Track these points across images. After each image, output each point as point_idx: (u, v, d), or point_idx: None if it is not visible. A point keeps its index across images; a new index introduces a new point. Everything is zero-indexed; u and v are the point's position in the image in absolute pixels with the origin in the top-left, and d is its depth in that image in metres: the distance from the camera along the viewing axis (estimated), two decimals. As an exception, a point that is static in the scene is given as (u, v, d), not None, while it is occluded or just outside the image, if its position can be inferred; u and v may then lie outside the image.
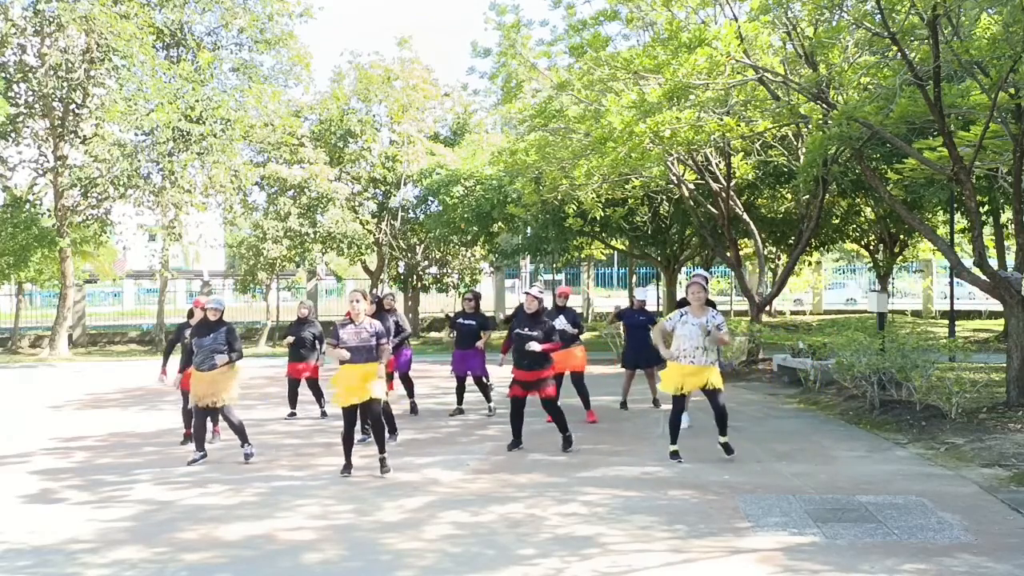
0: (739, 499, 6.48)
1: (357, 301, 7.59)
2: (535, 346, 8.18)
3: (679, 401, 7.89)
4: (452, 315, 11.17)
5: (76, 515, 6.46)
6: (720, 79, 10.83)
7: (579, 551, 5.38)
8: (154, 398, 13.49)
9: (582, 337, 10.35)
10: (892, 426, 9.23)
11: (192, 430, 8.49)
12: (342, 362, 7.45)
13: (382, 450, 7.66)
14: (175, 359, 9.52)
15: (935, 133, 10.25)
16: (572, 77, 13.88)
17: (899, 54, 9.30)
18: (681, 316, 7.81)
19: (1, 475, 7.97)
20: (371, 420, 7.65)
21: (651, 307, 22.34)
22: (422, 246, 25.60)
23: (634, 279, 28.71)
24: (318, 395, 11.04)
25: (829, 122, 10.26)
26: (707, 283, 8.35)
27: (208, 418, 8.73)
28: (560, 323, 9.82)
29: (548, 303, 10.13)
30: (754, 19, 10.63)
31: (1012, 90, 8.69)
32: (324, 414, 10.94)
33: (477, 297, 11.14)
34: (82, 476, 7.83)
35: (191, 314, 9.35)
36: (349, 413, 7.59)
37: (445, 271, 26.58)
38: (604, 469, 7.68)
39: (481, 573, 5.06)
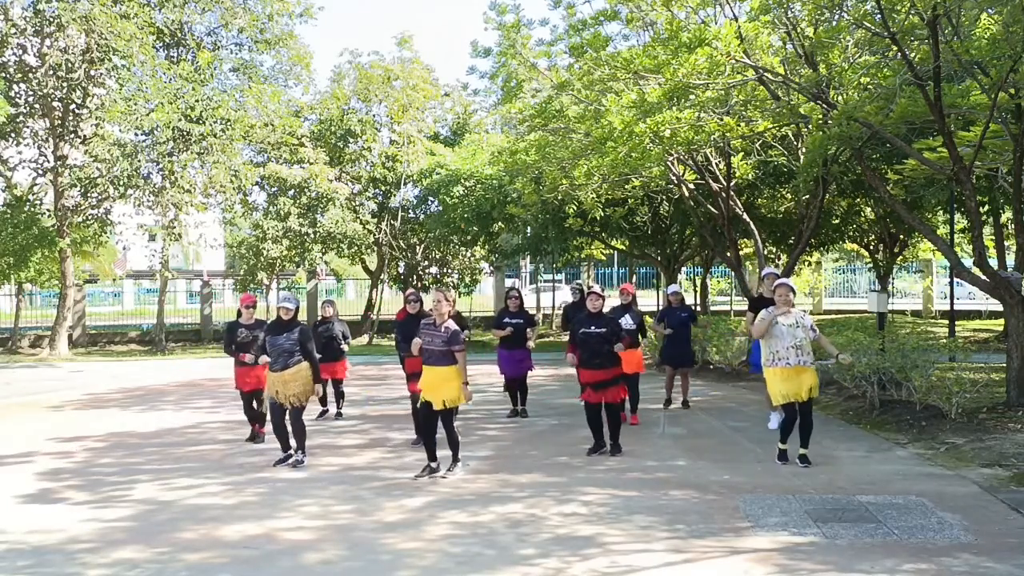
0: (739, 499, 6.48)
1: (440, 303, 7.50)
2: (621, 347, 8.13)
3: (791, 409, 7.55)
4: (496, 315, 10.98)
5: (76, 515, 6.46)
6: (720, 79, 10.82)
7: (579, 551, 5.38)
8: (155, 398, 13.50)
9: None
10: (892, 426, 9.23)
11: (273, 432, 8.27)
12: (424, 363, 7.49)
13: (454, 455, 7.64)
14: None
15: (935, 133, 10.26)
16: (572, 77, 13.87)
17: (899, 54, 9.30)
18: (770, 314, 7.54)
19: (1, 475, 7.97)
20: (445, 428, 7.58)
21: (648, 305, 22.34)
22: (422, 246, 25.60)
23: (634, 279, 28.70)
24: (338, 396, 11.06)
25: (829, 122, 10.25)
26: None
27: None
28: (626, 322, 9.68)
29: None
30: (754, 19, 10.64)
31: (1012, 90, 8.69)
32: (340, 415, 10.98)
33: (521, 295, 10.97)
34: (82, 476, 7.83)
35: (240, 313, 9.33)
36: (427, 410, 7.49)
37: (445, 271, 26.57)
38: (604, 469, 7.68)
39: (481, 573, 5.06)
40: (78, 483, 7.56)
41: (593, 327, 8.20)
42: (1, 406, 12.93)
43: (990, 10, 9.45)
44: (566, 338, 9.89)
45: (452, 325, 7.52)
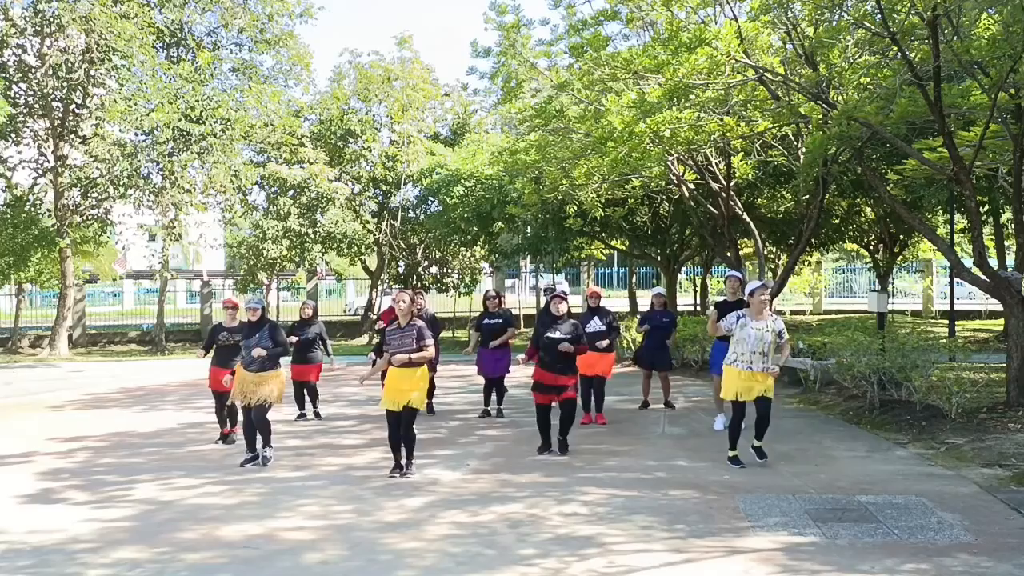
0: (739, 499, 6.48)
1: (403, 302, 7.46)
2: (568, 347, 8.03)
3: (740, 408, 7.60)
4: (475, 317, 11.01)
5: (76, 515, 6.46)
6: (720, 79, 10.83)
7: (579, 551, 5.38)
8: (155, 398, 13.50)
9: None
10: (892, 426, 9.23)
11: (242, 431, 8.36)
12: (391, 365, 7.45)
13: (409, 457, 7.56)
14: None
15: (935, 133, 10.25)
16: (572, 77, 13.87)
17: (899, 54, 9.30)
18: (739, 319, 7.54)
19: (1, 475, 7.97)
20: (402, 427, 7.51)
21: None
22: (422, 246, 25.60)
23: (634, 279, 28.69)
24: (313, 397, 11.04)
25: (829, 122, 10.25)
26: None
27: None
28: (594, 325, 9.68)
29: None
30: (754, 19, 10.63)
31: (1012, 90, 8.69)
32: (317, 415, 10.96)
33: (500, 295, 11.01)
34: (82, 476, 7.83)
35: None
36: (391, 417, 7.50)
37: (445, 271, 26.57)
38: (604, 469, 7.67)
39: (481, 573, 5.06)
40: (78, 483, 7.56)
41: (558, 332, 8.15)
42: (1, 406, 12.93)
43: (990, 10, 9.45)
44: None
45: (419, 323, 7.51)
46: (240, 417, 8.70)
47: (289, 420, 10.76)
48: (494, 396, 10.89)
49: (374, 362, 8.66)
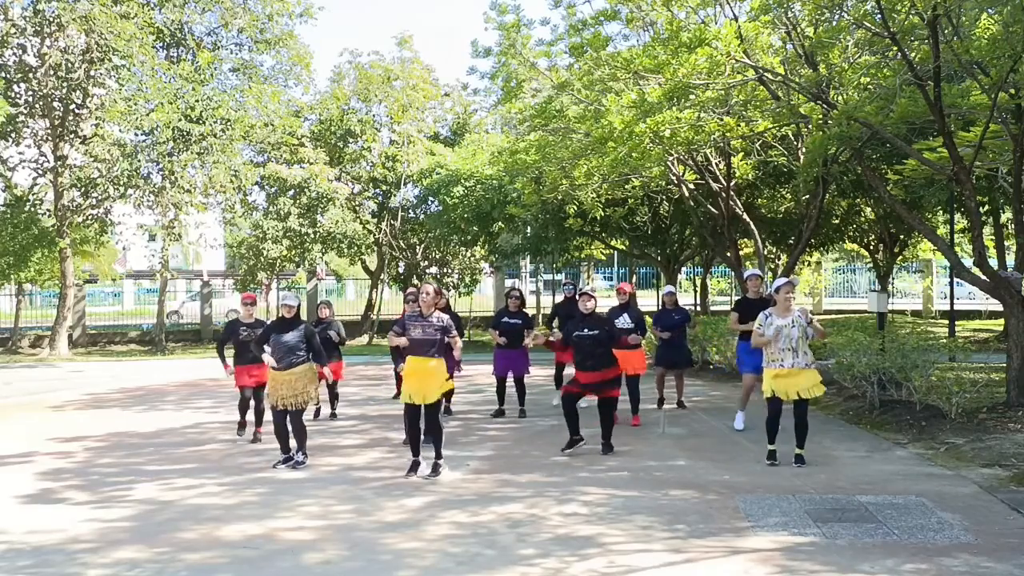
0: (739, 499, 6.48)
1: (427, 294, 7.55)
2: (638, 338, 8.75)
3: (774, 404, 7.59)
4: (494, 315, 10.96)
5: (76, 515, 6.46)
6: (720, 79, 10.83)
7: (579, 551, 5.38)
8: (155, 398, 13.50)
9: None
10: (892, 426, 9.23)
11: (274, 432, 8.28)
12: (406, 351, 7.47)
13: (437, 452, 7.58)
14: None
15: (935, 133, 10.26)
16: (572, 77, 13.88)
17: (899, 54, 9.30)
18: (767, 319, 7.55)
19: (1, 475, 7.97)
20: (427, 422, 7.57)
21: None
22: (422, 246, 25.61)
23: (634, 279, 28.70)
24: (333, 397, 11.02)
25: (829, 122, 10.25)
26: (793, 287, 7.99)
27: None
28: (623, 321, 9.64)
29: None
30: (754, 19, 10.63)
31: (1012, 90, 8.69)
32: (334, 415, 10.94)
33: (521, 295, 10.92)
34: (82, 476, 7.83)
35: (239, 311, 9.51)
36: (410, 410, 7.53)
37: (445, 271, 26.57)
38: (604, 469, 7.67)
39: (481, 573, 5.06)
40: (78, 483, 7.56)
41: (586, 329, 8.17)
42: (1, 406, 12.93)
43: (990, 10, 9.45)
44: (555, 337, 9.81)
45: (444, 316, 7.58)
46: (260, 417, 8.68)
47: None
48: (515, 396, 10.77)
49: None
